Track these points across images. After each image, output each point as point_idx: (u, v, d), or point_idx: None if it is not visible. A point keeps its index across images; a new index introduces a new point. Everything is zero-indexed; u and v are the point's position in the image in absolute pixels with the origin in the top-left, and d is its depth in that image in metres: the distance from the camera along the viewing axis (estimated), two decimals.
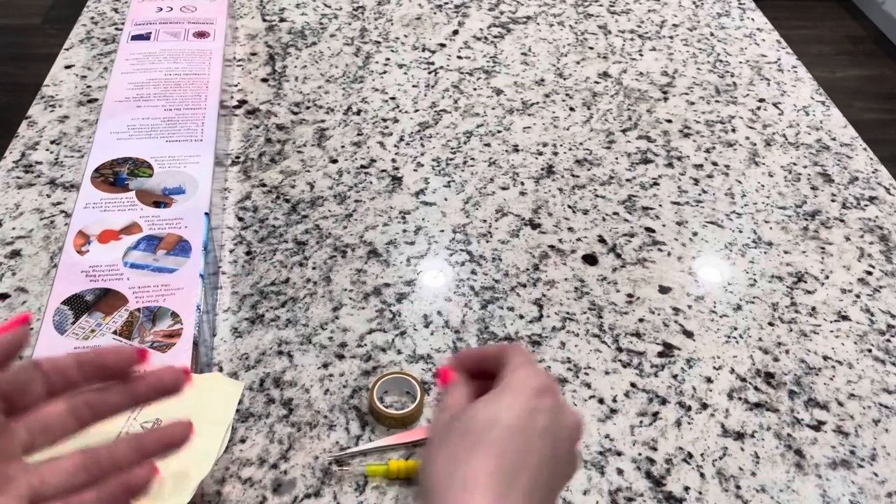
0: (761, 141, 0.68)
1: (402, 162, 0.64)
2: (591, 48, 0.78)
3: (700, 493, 0.43)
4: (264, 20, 0.80)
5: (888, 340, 0.52)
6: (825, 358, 0.51)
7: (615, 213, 0.60)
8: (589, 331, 0.51)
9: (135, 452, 0.29)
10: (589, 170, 0.64)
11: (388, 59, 0.75)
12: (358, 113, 0.69)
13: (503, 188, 0.62)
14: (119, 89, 0.60)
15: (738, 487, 0.44)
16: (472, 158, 0.65)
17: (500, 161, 0.65)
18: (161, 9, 0.70)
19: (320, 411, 0.46)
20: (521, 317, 0.52)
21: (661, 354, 0.50)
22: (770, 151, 0.67)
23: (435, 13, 0.82)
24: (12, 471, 0.27)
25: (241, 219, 0.58)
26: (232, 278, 0.53)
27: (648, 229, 0.59)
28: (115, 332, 0.44)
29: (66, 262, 0.47)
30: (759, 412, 0.47)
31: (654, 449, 0.45)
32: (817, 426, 0.47)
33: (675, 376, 0.49)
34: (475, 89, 0.72)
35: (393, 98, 0.70)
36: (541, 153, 0.66)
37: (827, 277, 0.56)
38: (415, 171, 0.63)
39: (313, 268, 0.55)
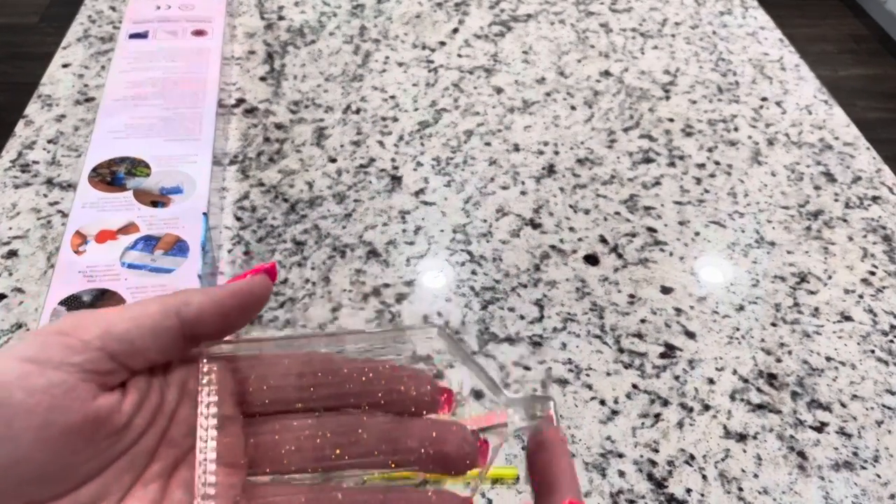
0: (764, 140, 0.68)
1: (402, 161, 0.63)
2: (593, 46, 0.78)
3: (702, 495, 0.43)
4: (263, 18, 0.79)
5: (891, 341, 0.52)
6: (828, 359, 0.50)
7: (617, 213, 0.60)
8: (590, 331, 0.51)
9: None
10: (590, 169, 0.64)
11: (387, 57, 0.75)
12: (357, 112, 0.68)
13: (504, 188, 0.62)
14: (117, 88, 0.60)
15: (741, 489, 0.43)
16: (473, 158, 0.64)
17: (500, 160, 0.64)
18: (159, 7, 0.69)
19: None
20: (522, 317, 0.52)
21: (662, 355, 0.50)
22: (773, 151, 0.67)
23: (435, 11, 0.82)
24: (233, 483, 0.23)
25: (239, 218, 0.58)
26: (230, 278, 0.53)
27: (650, 229, 0.59)
28: None
29: (63, 263, 0.47)
30: (761, 413, 0.47)
31: (656, 451, 0.45)
32: (820, 427, 0.47)
33: (676, 377, 0.49)
34: (475, 88, 0.72)
35: (392, 97, 0.70)
36: (542, 152, 0.65)
37: (830, 278, 0.56)
38: (414, 170, 0.63)
39: (312, 268, 0.54)
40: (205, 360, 0.24)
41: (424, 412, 0.25)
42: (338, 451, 0.24)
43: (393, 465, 0.24)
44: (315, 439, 0.24)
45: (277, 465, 0.24)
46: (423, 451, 0.24)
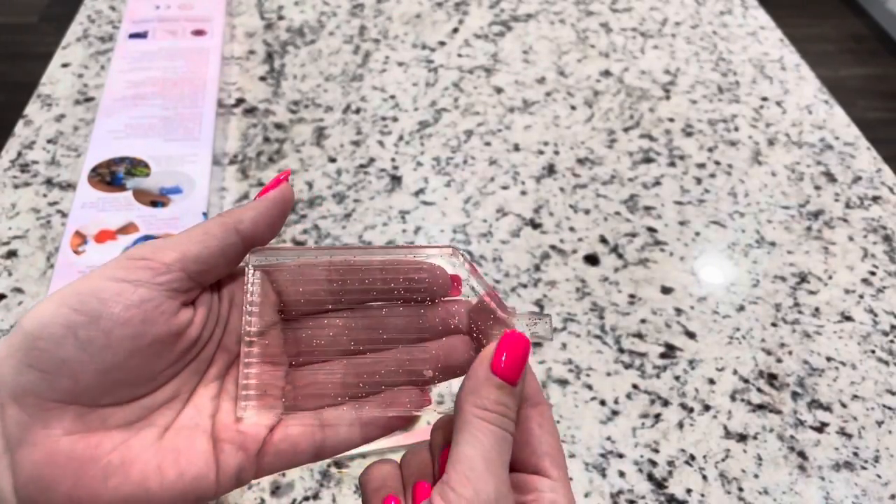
0: (764, 140, 0.68)
1: (402, 161, 0.63)
2: (593, 46, 0.78)
3: (702, 495, 0.43)
4: (262, 18, 0.79)
5: (892, 341, 0.52)
6: (828, 359, 0.50)
7: (617, 213, 0.60)
8: (590, 332, 0.51)
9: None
10: (590, 169, 0.64)
11: (387, 57, 0.75)
12: (357, 112, 0.68)
13: (504, 188, 0.62)
14: (116, 88, 0.60)
15: (741, 490, 0.43)
16: (473, 157, 0.64)
17: (500, 160, 0.64)
18: (158, 7, 0.69)
19: None
20: None
21: (663, 355, 0.50)
22: (773, 150, 0.67)
23: (435, 11, 0.82)
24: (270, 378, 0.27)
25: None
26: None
27: (650, 229, 0.59)
28: None
29: (63, 263, 0.47)
30: (761, 414, 0.47)
31: (656, 451, 0.45)
32: (820, 428, 0.47)
33: (677, 377, 0.49)
34: (475, 88, 0.72)
35: (392, 97, 0.70)
36: (542, 152, 0.65)
37: (830, 278, 0.56)
38: (414, 170, 0.63)
39: None
40: (251, 271, 0.27)
41: (440, 298, 0.28)
42: (365, 341, 0.28)
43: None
44: (345, 333, 0.28)
45: (313, 357, 0.28)
46: (440, 327, 0.28)
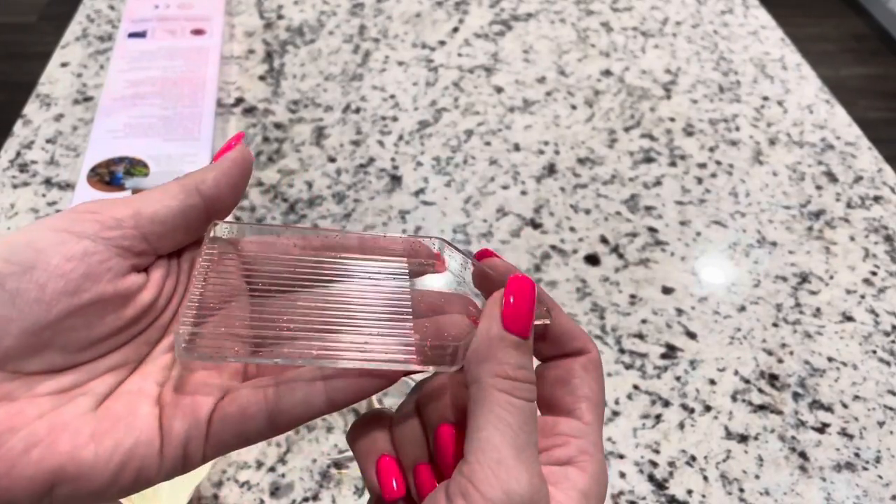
0: (765, 140, 0.68)
1: (402, 161, 0.63)
2: (593, 46, 0.77)
3: (703, 496, 0.43)
4: (262, 17, 0.79)
5: (893, 342, 0.52)
6: (830, 359, 0.50)
7: (617, 213, 0.60)
8: (591, 332, 0.51)
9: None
10: (591, 169, 0.64)
11: (387, 56, 0.74)
12: (357, 111, 0.68)
13: (504, 187, 0.61)
14: (115, 87, 0.60)
15: (742, 490, 0.43)
16: (473, 157, 0.64)
17: (500, 160, 0.64)
18: (157, 6, 0.69)
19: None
20: None
21: (663, 356, 0.50)
22: (774, 150, 0.67)
23: (435, 10, 0.81)
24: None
25: (238, 218, 0.57)
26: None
27: (651, 229, 0.59)
28: None
29: None
30: (762, 414, 0.47)
31: (657, 452, 0.45)
32: (821, 428, 0.46)
33: (678, 378, 0.48)
34: (475, 87, 0.71)
35: (392, 96, 0.70)
36: (542, 152, 0.65)
37: (832, 278, 0.56)
38: (414, 170, 0.62)
39: None
40: (208, 240, 0.25)
41: (424, 273, 0.26)
42: (339, 319, 0.24)
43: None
44: (319, 311, 0.24)
45: (282, 337, 0.24)
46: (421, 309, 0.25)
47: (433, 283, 0.27)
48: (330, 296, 0.25)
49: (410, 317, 0.24)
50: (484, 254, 0.25)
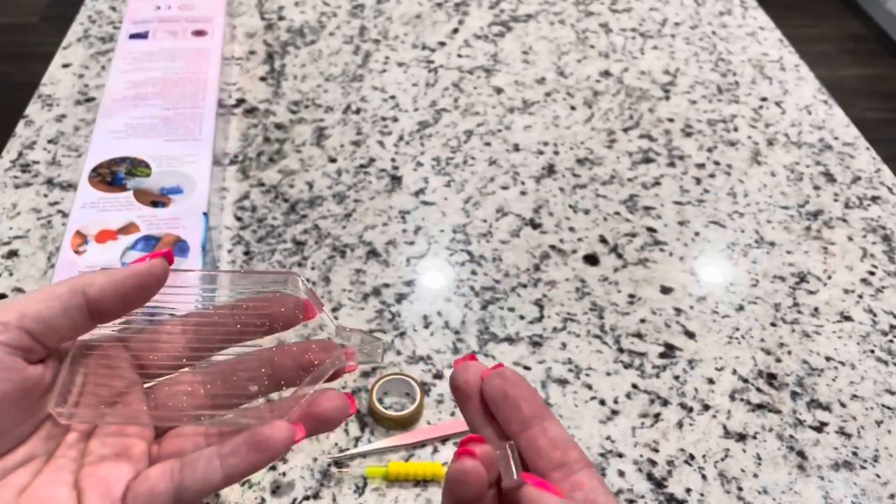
0: (763, 140, 0.68)
1: (402, 161, 0.63)
2: (593, 46, 0.78)
3: (702, 494, 0.43)
4: (263, 18, 0.79)
5: (891, 341, 0.52)
6: (828, 359, 0.50)
7: (616, 213, 0.60)
8: (590, 331, 0.51)
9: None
10: (590, 169, 0.64)
11: (387, 57, 0.75)
12: (357, 112, 0.68)
13: (503, 188, 0.62)
14: (117, 88, 0.60)
15: (740, 489, 0.43)
16: (473, 158, 0.64)
17: (500, 160, 0.64)
18: (159, 7, 0.69)
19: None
20: (522, 317, 0.52)
21: (662, 355, 0.50)
22: (772, 151, 0.67)
23: (435, 11, 0.82)
24: (133, 398, 0.26)
25: (239, 218, 0.58)
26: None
27: (650, 229, 0.59)
28: None
29: (64, 262, 0.47)
30: (761, 413, 0.47)
31: (656, 451, 0.45)
32: (819, 427, 0.47)
33: (676, 377, 0.49)
34: (475, 88, 0.72)
35: (392, 97, 0.70)
36: (541, 152, 0.65)
37: (829, 278, 0.56)
38: (414, 170, 0.63)
39: (312, 268, 0.54)
40: (70, 354, 0.27)
41: (296, 324, 0.29)
42: (224, 392, 0.28)
43: (271, 384, 0.28)
44: (205, 386, 0.27)
45: (177, 417, 0.27)
46: (297, 367, 0.28)
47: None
48: (205, 370, 0.28)
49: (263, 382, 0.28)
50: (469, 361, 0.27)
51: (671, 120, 0.69)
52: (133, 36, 0.66)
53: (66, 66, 0.71)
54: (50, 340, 0.25)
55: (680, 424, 0.46)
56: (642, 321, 0.52)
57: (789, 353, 0.51)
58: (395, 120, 0.68)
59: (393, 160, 0.64)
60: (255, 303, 0.28)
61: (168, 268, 0.27)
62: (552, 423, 0.26)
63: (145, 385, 0.28)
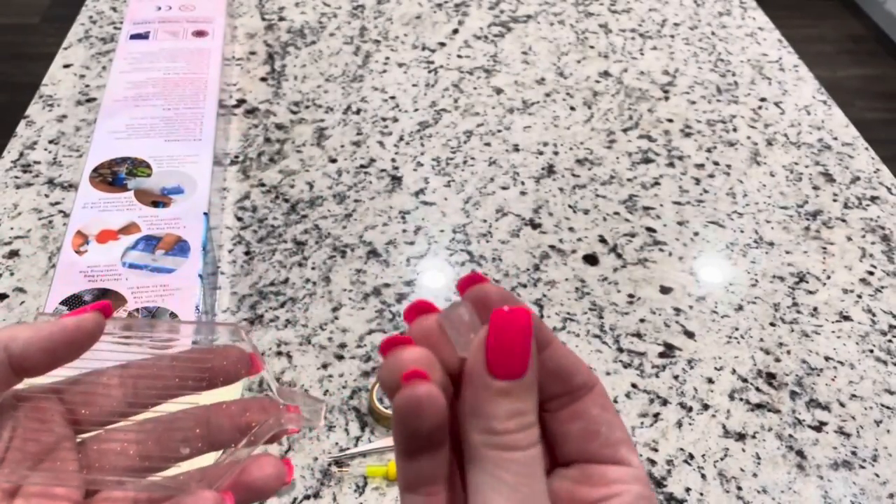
0: (763, 140, 0.68)
1: (402, 161, 0.64)
2: (592, 47, 0.78)
3: (701, 494, 0.43)
4: (263, 19, 0.79)
5: (890, 341, 0.52)
6: (827, 358, 0.51)
7: (616, 213, 0.60)
8: (590, 331, 0.51)
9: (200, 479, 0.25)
10: (590, 169, 0.64)
11: (387, 58, 0.75)
12: (357, 112, 0.68)
13: (503, 188, 0.62)
14: (117, 89, 0.60)
15: (740, 489, 0.43)
16: (472, 158, 0.64)
17: (500, 161, 0.64)
18: (160, 7, 0.69)
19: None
20: None
21: (662, 355, 0.50)
22: (771, 151, 0.67)
23: (435, 12, 0.82)
24: (64, 455, 0.25)
25: (239, 219, 0.58)
26: (231, 278, 0.53)
27: (649, 229, 0.59)
28: None
29: (65, 263, 0.47)
30: (760, 413, 0.47)
31: (655, 450, 0.45)
32: (819, 427, 0.47)
33: (676, 377, 0.49)
34: (475, 88, 0.72)
35: (392, 97, 0.70)
36: (541, 153, 0.65)
37: (829, 278, 0.56)
38: (414, 170, 0.63)
39: (312, 268, 0.54)
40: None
41: (240, 378, 0.27)
42: (157, 453, 0.26)
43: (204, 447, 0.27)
44: (136, 446, 0.26)
45: (105, 481, 0.26)
46: (234, 428, 0.26)
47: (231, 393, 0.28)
48: (138, 427, 0.27)
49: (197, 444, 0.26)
50: (473, 279, 0.22)
51: (670, 120, 0.70)
52: (134, 36, 0.66)
53: (66, 66, 0.72)
54: None
55: (679, 424, 0.46)
56: (642, 321, 0.52)
57: (788, 352, 0.51)
58: (396, 120, 0.68)
59: (393, 160, 0.64)
60: (198, 354, 0.27)
61: (103, 322, 0.25)
62: (552, 350, 0.22)
63: (77, 439, 0.26)
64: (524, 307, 0.20)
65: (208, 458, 0.27)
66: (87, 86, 0.69)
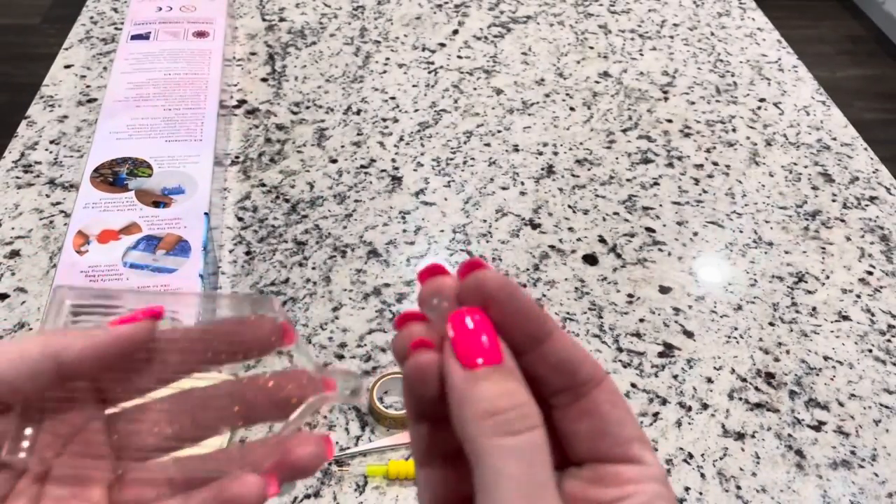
0: (762, 141, 0.68)
1: (402, 162, 0.64)
2: (592, 48, 0.78)
3: (700, 493, 0.43)
4: (264, 20, 0.79)
5: (888, 341, 0.52)
6: (826, 358, 0.51)
7: (615, 213, 0.60)
8: (589, 331, 0.51)
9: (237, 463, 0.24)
10: (589, 170, 0.64)
11: (387, 58, 0.75)
12: (358, 113, 0.68)
13: (503, 188, 0.62)
14: (118, 89, 0.60)
15: (739, 488, 0.44)
16: (472, 158, 0.65)
17: (500, 161, 0.64)
18: (161, 8, 0.69)
19: (320, 412, 0.46)
20: None
21: (661, 354, 0.50)
22: (770, 151, 0.67)
23: (435, 13, 0.82)
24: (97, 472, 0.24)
25: (240, 219, 0.58)
26: (231, 278, 0.53)
27: (649, 229, 0.59)
28: None
29: (66, 262, 0.47)
30: (759, 412, 0.47)
31: (655, 449, 0.45)
32: (818, 426, 0.47)
33: (675, 376, 0.49)
34: (475, 89, 0.72)
35: (393, 98, 0.70)
36: (541, 153, 0.66)
37: (828, 277, 0.56)
38: (415, 170, 0.63)
39: (313, 268, 0.55)
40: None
41: (273, 350, 0.26)
42: (192, 433, 0.25)
43: (241, 423, 0.26)
44: (171, 424, 0.25)
45: (140, 452, 0.25)
46: (271, 405, 0.25)
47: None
48: (179, 401, 0.26)
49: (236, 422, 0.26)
50: (473, 265, 0.21)
51: (670, 121, 0.70)
52: (135, 37, 0.66)
53: (67, 66, 0.72)
54: (11, 399, 0.24)
55: (679, 423, 0.46)
56: (641, 321, 0.52)
57: (787, 352, 0.51)
58: (396, 121, 0.68)
59: (393, 161, 0.64)
60: (229, 325, 0.26)
61: (156, 328, 0.24)
62: (553, 342, 0.21)
63: (107, 412, 0.25)
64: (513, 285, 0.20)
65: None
66: (88, 86, 0.69)
